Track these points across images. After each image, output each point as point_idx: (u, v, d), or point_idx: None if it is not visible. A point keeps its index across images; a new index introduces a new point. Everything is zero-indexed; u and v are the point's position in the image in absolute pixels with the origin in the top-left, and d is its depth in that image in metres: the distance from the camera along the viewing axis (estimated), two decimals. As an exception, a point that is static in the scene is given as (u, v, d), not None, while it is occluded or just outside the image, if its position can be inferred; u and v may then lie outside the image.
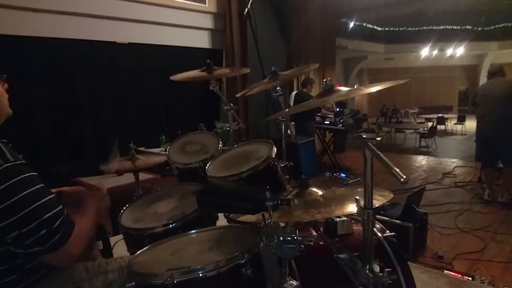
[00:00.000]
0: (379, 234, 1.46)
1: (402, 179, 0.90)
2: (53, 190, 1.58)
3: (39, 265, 1.20)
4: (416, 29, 15.60)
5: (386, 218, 3.09)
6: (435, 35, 14.85)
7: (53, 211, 1.13)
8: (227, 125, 2.20)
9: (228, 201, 1.14)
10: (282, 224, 1.14)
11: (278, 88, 2.03)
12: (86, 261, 1.40)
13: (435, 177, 5.88)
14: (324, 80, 1.42)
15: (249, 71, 2.34)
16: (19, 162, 1.13)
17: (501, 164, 4.54)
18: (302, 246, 1.04)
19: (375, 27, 15.06)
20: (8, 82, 1.32)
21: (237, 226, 1.44)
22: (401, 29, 15.66)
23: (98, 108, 4.40)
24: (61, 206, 1.17)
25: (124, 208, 1.79)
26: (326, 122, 6.64)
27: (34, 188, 1.11)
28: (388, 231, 1.49)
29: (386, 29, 15.51)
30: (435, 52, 15.42)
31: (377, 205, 1.16)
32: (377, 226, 1.51)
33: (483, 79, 16.18)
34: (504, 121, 4.23)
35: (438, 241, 3.44)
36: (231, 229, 1.45)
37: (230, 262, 1.08)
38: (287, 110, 2.12)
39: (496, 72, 4.50)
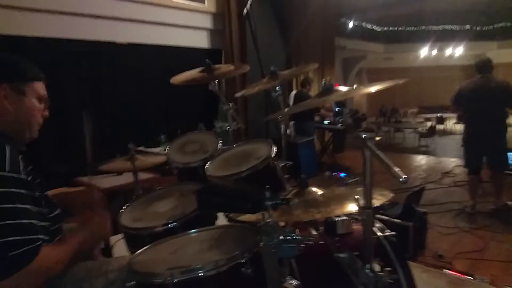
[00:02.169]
0: (379, 234, 1.46)
1: (401, 179, 0.91)
2: (53, 192, 1.58)
3: None
4: (416, 29, 15.61)
5: (386, 218, 3.09)
6: (434, 35, 14.87)
7: (19, 238, 1.02)
8: (227, 124, 2.20)
9: (228, 200, 1.14)
10: (282, 224, 1.15)
11: (278, 87, 2.04)
12: (86, 260, 1.40)
13: (434, 176, 5.89)
14: (324, 79, 1.42)
15: (248, 68, 2.33)
16: (11, 175, 1.07)
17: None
18: (302, 245, 1.05)
19: (374, 27, 15.07)
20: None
21: (237, 225, 1.44)
22: (400, 29, 15.67)
23: (98, 108, 4.39)
24: (33, 236, 1.05)
25: (124, 207, 1.79)
26: (325, 122, 6.65)
27: (8, 205, 1.03)
28: (388, 231, 1.49)
29: (385, 29, 15.52)
30: (434, 52, 15.44)
31: (376, 205, 1.16)
32: (377, 225, 1.51)
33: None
34: (497, 126, 3.92)
35: (438, 240, 3.44)
36: (231, 229, 1.45)
37: (230, 262, 1.07)
38: (286, 109, 2.12)
39: (486, 67, 4.00)
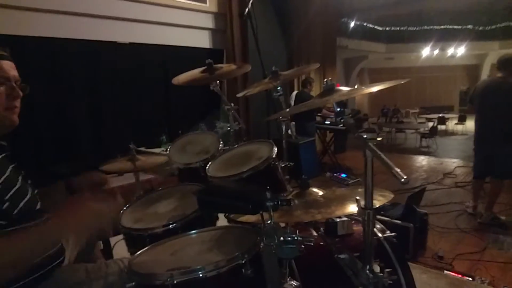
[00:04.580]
0: (380, 235, 1.45)
1: (402, 179, 0.90)
2: None
3: (35, 267, 1.15)
4: (417, 28, 15.61)
5: (387, 219, 3.09)
6: (436, 35, 14.88)
7: None
8: (228, 125, 2.19)
9: (228, 201, 1.14)
10: (282, 225, 1.14)
11: (279, 88, 2.03)
12: (86, 262, 1.40)
13: (435, 177, 5.88)
14: (325, 80, 1.42)
15: (249, 68, 2.33)
16: None
17: None
18: (302, 246, 1.04)
19: (375, 26, 15.06)
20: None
21: (237, 226, 1.44)
22: (402, 28, 15.68)
23: (98, 108, 4.39)
24: None
25: (124, 208, 1.79)
26: (326, 122, 6.66)
27: None
28: (388, 232, 1.49)
29: (386, 28, 15.52)
30: (436, 51, 15.44)
31: (377, 206, 1.16)
32: (378, 226, 1.51)
33: (484, 79, 16.14)
34: (507, 129, 3.56)
35: (439, 241, 3.43)
36: (231, 229, 1.45)
37: (230, 263, 1.07)
38: (287, 110, 2.12)
39: (508, 65, 3.54)
